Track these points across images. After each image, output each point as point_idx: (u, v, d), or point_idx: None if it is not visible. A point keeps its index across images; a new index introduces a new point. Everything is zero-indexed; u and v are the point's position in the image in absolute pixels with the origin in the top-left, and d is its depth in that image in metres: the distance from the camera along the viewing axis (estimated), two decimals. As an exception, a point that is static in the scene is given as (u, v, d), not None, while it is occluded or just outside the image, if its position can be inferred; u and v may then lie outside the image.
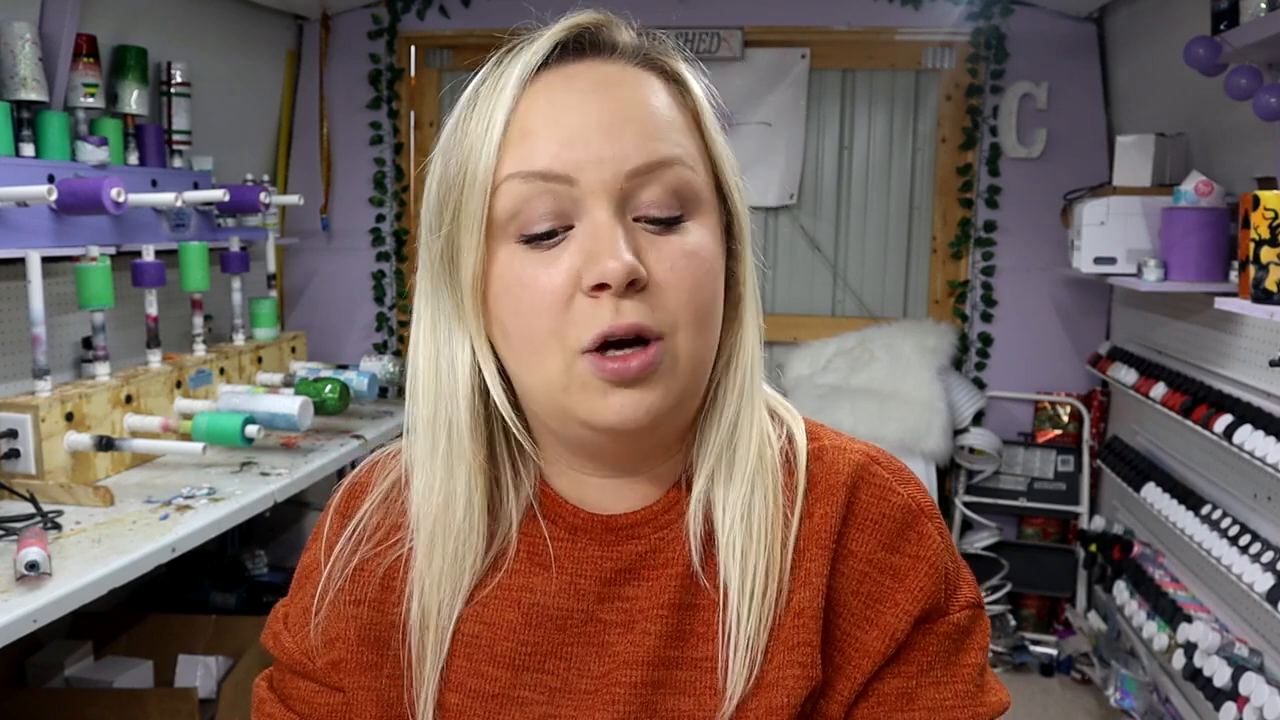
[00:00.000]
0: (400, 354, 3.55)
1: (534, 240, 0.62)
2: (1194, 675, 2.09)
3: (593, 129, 0.61)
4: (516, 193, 0.62)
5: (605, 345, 0.61)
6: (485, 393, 0.68)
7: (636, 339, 0.61)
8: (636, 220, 0.62)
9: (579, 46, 0.65)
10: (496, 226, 0.63)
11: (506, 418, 0.67)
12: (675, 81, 0.67)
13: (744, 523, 0.66)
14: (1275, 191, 1.75)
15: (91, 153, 2.28)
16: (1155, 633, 2.37)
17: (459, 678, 0.69)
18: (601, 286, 0.60)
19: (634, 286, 0.60)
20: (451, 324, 0.67)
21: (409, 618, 0.70)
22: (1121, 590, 2.60)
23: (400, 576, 0.71)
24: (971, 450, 3.20)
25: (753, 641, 0.65)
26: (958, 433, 3.11)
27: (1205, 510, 2.23)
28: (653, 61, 0.67)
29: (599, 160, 0.61)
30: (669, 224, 0.63)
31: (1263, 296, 1.77)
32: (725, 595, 0.66)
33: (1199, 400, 2.27)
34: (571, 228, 0.62)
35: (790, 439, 0.71)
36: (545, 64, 0.64)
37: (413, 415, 0.69)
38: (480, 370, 0.67)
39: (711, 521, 0.68)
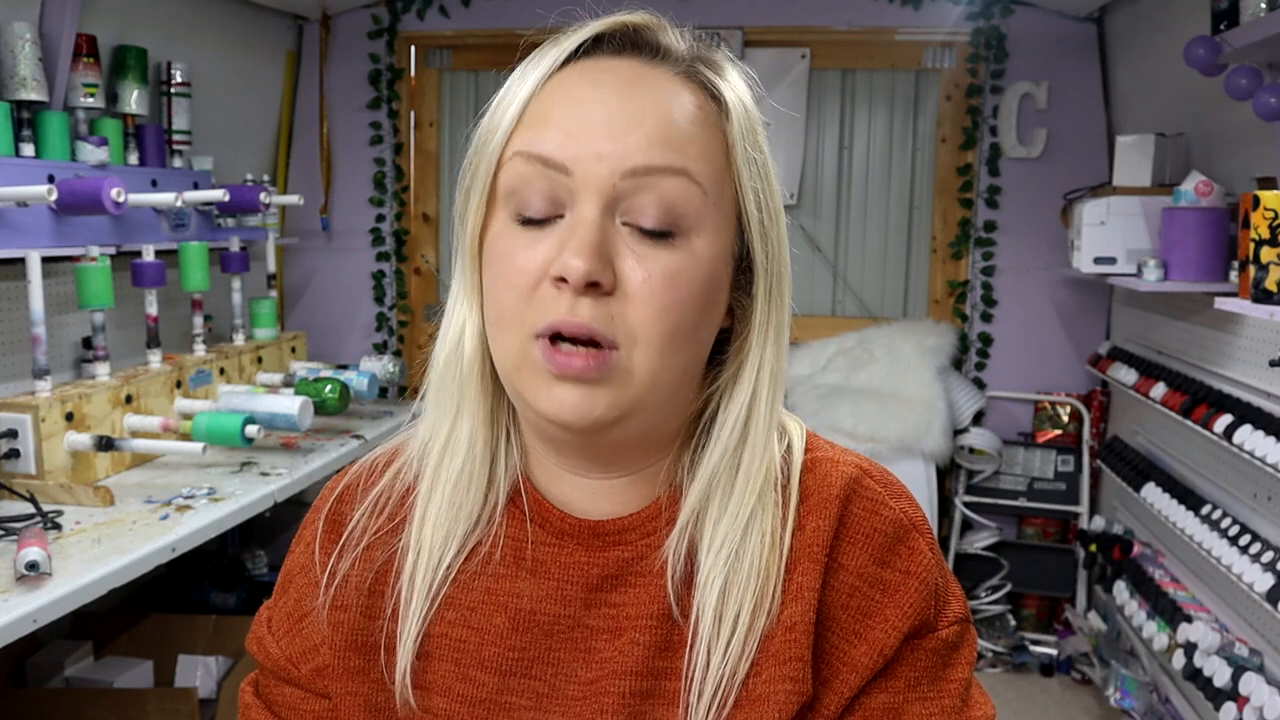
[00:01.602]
0: (400, 354, 3.55)
1: (526, 221, 0.63)
2: (1194, 675, 2.09)
3: (600, 125, 0.61)
4: (518, 171, 0.63)
5: (558, 337, 0.61)
6: (487, 351, 0.69)
7: (590, 341, 0.61)
8: (626, 225, 0.62)
9: (622, 43, 0.65)
10: (499, 199, 0.64)
11: (501, 373, 0.67)
12: (714, 100, 0.65)
13: (729, 565, 0.65)
14: (1275, 191, 1.75)
15: (91, 153, 2.28)
16: (1155, 633, 2.37)
17: (446, 682, 0.69)
18: (563, 280, 0.60)
19: (596, 289, 0.60)
20: (462, 278, 0.69)
21: (402, 562, 0.70)
22: (1121, 590, 2.60)
23: (389, 582, 0.71)
24: (971, 450, 3.20)
25: (725, 681, 0.64)
26: (958, 433, 3.11)
27: (1205, 510, 2.23)
28: (697, 74, 0.65)
29: (598, 155, 0.61)
30: (656, 237, 0.62)
31: (1263, 296, 1.77)
32: (695, 633, 0.65)
33: (1199, 400, 2.27)
34: (563, 216, 0.62)
35: (789, 450, 0.70)
36: (585, 55, 0.64)
37: (434, 357, 0.71)
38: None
39: (693, 560, 0.66)
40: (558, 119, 0.62)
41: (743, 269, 0.67)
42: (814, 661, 0.65)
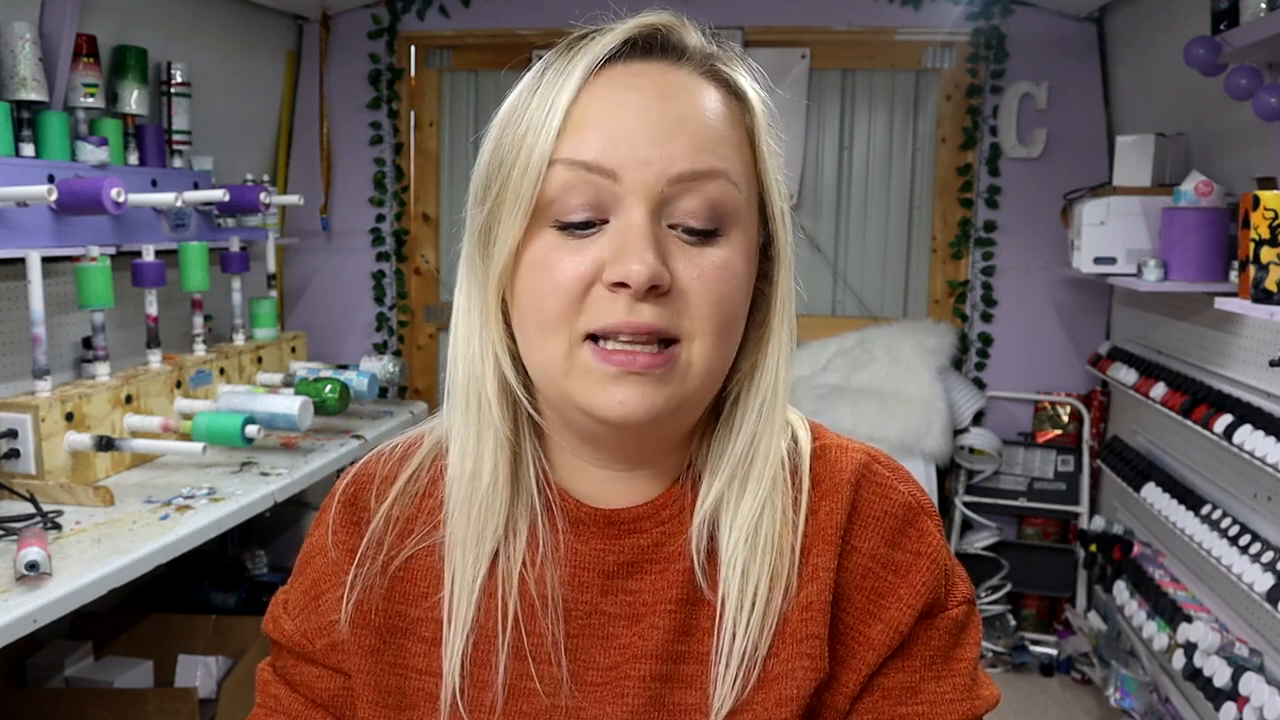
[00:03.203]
0: (400, 354, 3.55)
1: (568, 228, 0.63)
2: (1194, 675, 2.09)
3: (644, 131, 0.62)
4: (560, 179, 0.62)
5: (608, 338, 0.62)
6: (512, 367, 0.69)
7: (655, 340, 0.62)
8: (672, 227, 0.63)
9: (648, 46, 0.66)
10: (536, 209, 0.64)
11: (516, 391, 0.68)
12: (736, 96, 0.67)
13: (749, 543, 0.67)
14: (1275, 191, 1.75)
15: (91, 153, 2.28)
16: (1155, 633, 2.37)
17: (465, 668, 0.70)
18: (622, 285, 0.61)
19: (655, 291, 0.61)
20: (482, 295, 0.68)
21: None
22: (1121, 590, 2.60)
23: (414, 572, 0.72)
24: (971, 450, 3.20)
25: (747, 657, 0.66)
26: (958, 433, 3.11)
27: (1205, 510, 2.23)
28: (717, 72, 0.67)
29: (644, 161, 0.62)
30: (703, 236, 0.63)
31: (1263, 296, 1.77)
32: (722, 612, 0.67)
33: (1199, 400, 2.27)
34: (607, 221, 0.63)
35: (794, 439, 0.73)
36: (611, 59, 0.65)
37: (451, 372, 0.71)
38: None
39: (715, 539, 0.69)
40: (599, 124, 0.62)
41: (763, 256, 0.70)
42: (830, 642, 0.67)
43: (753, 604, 0.66)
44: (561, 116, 0.63)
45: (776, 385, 0.69)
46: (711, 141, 0.63)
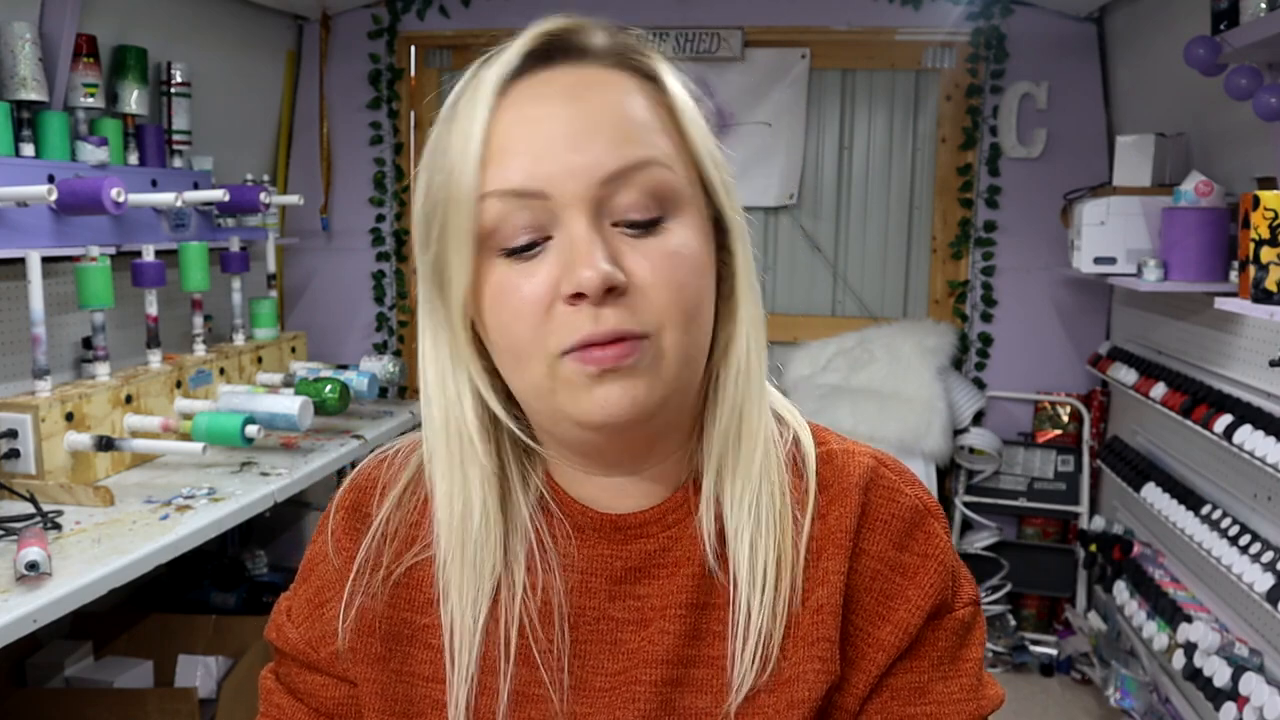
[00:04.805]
0: (400, 354, 3.55)
1: (514, 253, 0.62)
2: (1194, 675, 2.09)
3: (563, 140, 0.61)
4: (494, 210, 0.62)
5: (586, 346, 0.61)
6: (494, 394, 0.68)
7: (620, 340, 0.61)
8: (616, 225, 0.62)
9: (550, 53, 0.64)
10: (479, 241, 0.63)
11: (506, 423, 0.68)
12: (651, 80, 0.66)
13: (752, 515, 0.67)
14: (1275, 191, 1.75)
15: (91, 153, 2.28)
16: (1155, 633, 2.37)
17: (473, 675, 0.70)
18: (579, 296, 0.60)
19: (613, 293, 0.61)
20: (449, 334, 0.68)
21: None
22: (1121, 590, 2.60)
23: (418, 579, 0.72)
24: (971, 450, 3.20)
25: (764, 633, 0.66)
26: (958, 433, 3.11)
27: (1205, 510, 2.23)
28: (626, 61, 0.66)
29: (570, 172, 0.61)
30: (648, 226, 0.63)
31: (1263, 296, 1.77)
32: (736, 586, 0.67)
33: (1199, 400, 2.27)
34: (550, 238, 0.62)
35: (796, 442, 0.72)
36: (519, 73, 0.64)
37: (427, 417, 0.70)
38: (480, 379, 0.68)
39: (722, 519, 0.69)
40: (519, 146, 0.62)
41: (716, 229, 0.68)
42: (840, 644, 0.68)
43: (763, 580, 0.66)
44: (480, 146, 0.62)
45: (750, 352, 0.68)
46: (634, 130, 0.62)
